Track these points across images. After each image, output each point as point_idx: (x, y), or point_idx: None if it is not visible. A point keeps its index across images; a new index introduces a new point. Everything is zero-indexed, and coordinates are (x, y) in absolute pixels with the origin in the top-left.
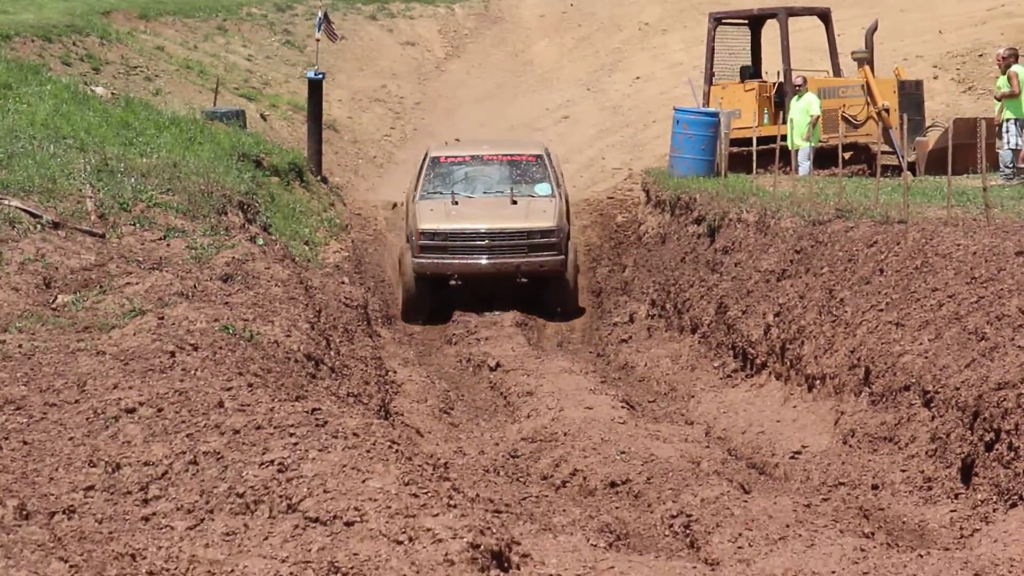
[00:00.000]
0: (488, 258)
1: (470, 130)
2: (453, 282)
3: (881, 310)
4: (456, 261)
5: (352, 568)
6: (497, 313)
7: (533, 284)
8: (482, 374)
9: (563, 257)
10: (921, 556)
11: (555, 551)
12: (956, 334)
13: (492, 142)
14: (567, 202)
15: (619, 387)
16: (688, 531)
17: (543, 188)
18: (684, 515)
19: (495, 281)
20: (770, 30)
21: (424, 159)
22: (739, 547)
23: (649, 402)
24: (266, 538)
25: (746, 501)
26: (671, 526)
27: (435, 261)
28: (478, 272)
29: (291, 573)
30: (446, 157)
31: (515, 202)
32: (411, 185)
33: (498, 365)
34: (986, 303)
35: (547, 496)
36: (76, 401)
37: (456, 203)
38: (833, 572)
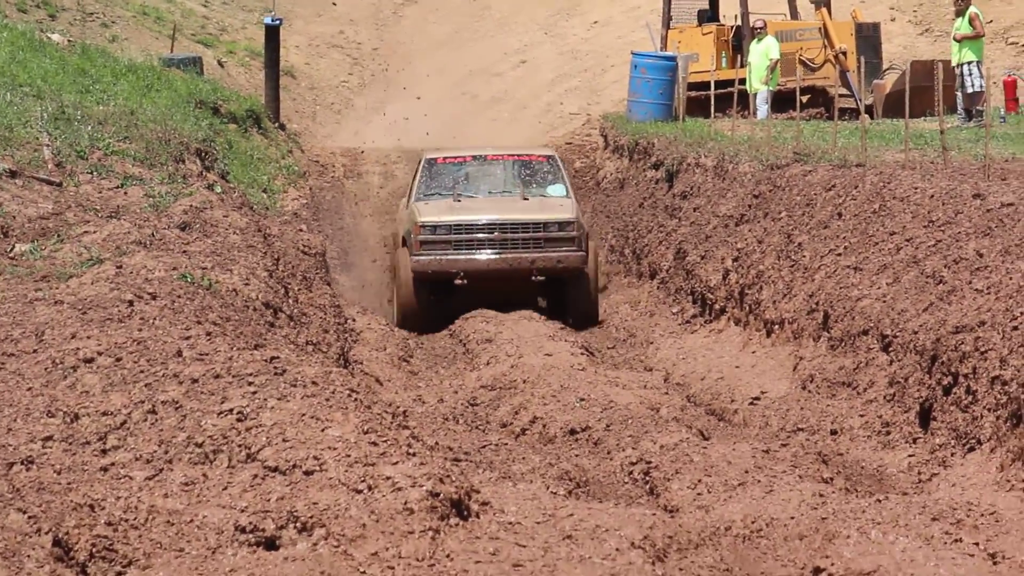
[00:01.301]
0: (498, 253)
1: (429, 77)
2: (458, 281)
3: (839, 254)
4: (461, 257)
5: (312, 517)
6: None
7: (549, 285)
8: (441, 321)
9: (583, 253)
10: (879, 501)
11: (515, 499)
12: (914, 278)
13: (495, 147)
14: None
15: (578, 334)
16: (647, 478)
17: (557, 189)
18: (643, 462)
19: (506, 280)
20: None
21: (419, 163)
22: (698, 493)
23: (608, 348)
24: (225, 488)
25: (705, 448)
26: (630, 473)
27: (437, 258)
28: (486, 269)
29: (250, 522)
30: (444, 158)
31: (526, 199)
32: (405, 194)
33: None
34: (944, 246)
35: (506, 444)
36: (34, 351)
37: (459, 200)
38: (792, 518)
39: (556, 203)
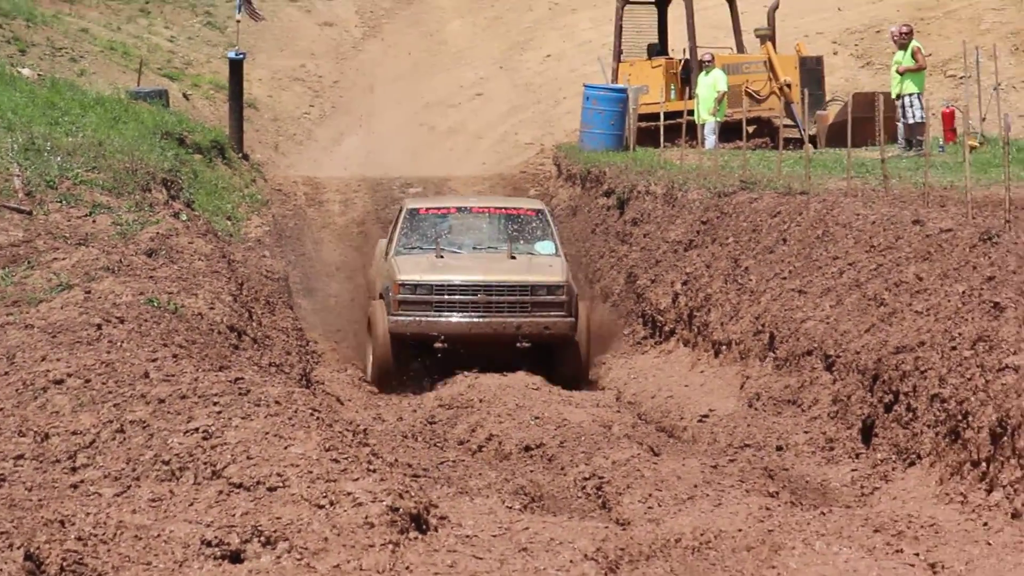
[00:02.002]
0: (481, 316)
1: (387, 107)
2: (438, 344)
3: (784, 278)
4: (442, 320)
5: (275, 531)
6: None
7: (536, 351)
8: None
9: (572, 319)
10: (824, 514)
11: (472, 513)
12: (856, 300)
13: (480, 197)
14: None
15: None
16: (600, 492)
17: (546, 247)
18: (596, 477)
19: (489, 345)
20: (676, 9)
21: (399, 213)
22: (649, 507)
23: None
24: (191, 503)
25: (655, 463)
26: (584, 488)
27: (417, 319)
28: (469, 334)
29: (216, 537)
30: (426, 209)
31: (513, 257)
32: (383, 244)
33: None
34: (885, 270)
35: (464, 460)
36: (5, 373)
37: (441, 257)
38: (739, 530)
39: (545, 263)
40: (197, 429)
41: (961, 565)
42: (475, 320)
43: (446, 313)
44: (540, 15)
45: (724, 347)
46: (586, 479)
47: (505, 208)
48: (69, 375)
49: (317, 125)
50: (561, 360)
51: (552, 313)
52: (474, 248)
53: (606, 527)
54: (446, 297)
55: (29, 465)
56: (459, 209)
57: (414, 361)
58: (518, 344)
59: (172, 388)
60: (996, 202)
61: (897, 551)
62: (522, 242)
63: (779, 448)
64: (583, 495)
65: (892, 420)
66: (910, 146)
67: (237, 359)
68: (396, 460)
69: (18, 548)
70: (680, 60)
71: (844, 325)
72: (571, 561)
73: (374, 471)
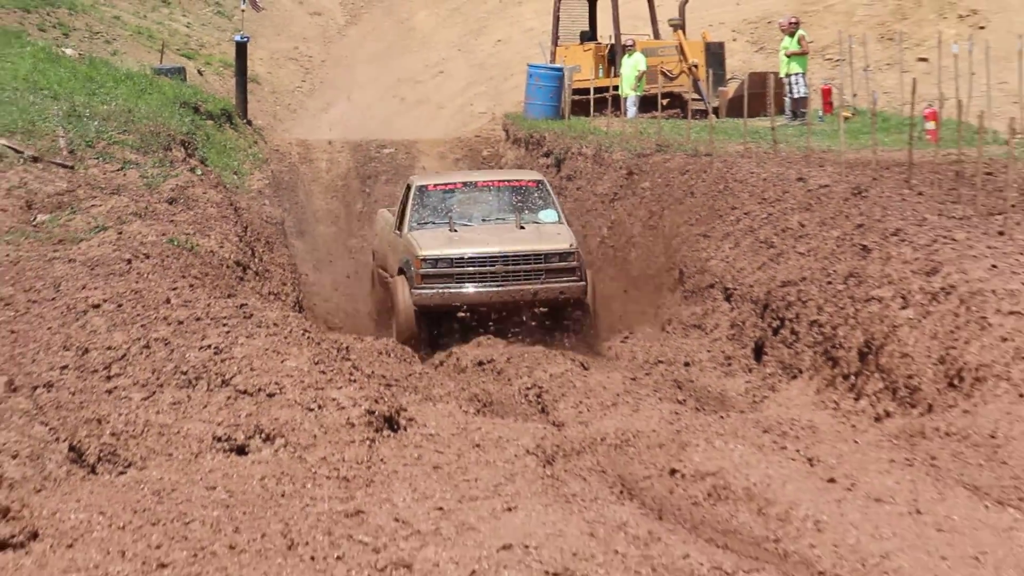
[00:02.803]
0: (501, 285)
1: (365, 82)
2: (461, 313)
3: (692, 224)
4: (464, 290)
5: (274, 430)
6: None
7: (550, 314)
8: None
9: (584, 283)
10: (722, 417)
11: (434, 415)
12: (750, 243)
13: (482, 171)
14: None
15: None
16: (539, 400)
17: (548, 215)
18: (536, 387)
19: (508, 311)
20: (603, 2)
21: (407, 191)
22: (580, 412)
23: None
24: (205, 406)
25: (585, 376)
26: (526, 396)
27: (440, 291)
28: (490, 302)
29: (225, 433)
30: (434, 185)
31: (523, 227)
32: (390, 222)
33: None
34: (773, 219)
35: (428, 373)
36: (52, 298)
37: (455, 231)
38: (653, 431)
39: (553, 231)
40: (209, 346)
41: (833, 459)
42: (494, 289)
43: (467, 284)
44: (492, 7)
45: (642, 281)
46: (528, 388)
47: (507, 180)
48: (104, 301)
49: (308, 97)
50: (572, 321)
51: (565, 278)
52: (483, 220)
53: (544, 428)
54: (466, 269)
55: (72, 374)
56: (465, 184)
57: (436, 329)
58: (534, 309)
59: (189, 312)
60: (865, 163)
61: (782, 448)
62: (527, 212)
63: (686, 364)
64: (526, 402)
65: (779, 341)
66: (795, 117)
67: (242, 288)
68: (373, 372)
69: (63, 441)
70: (607, 45)
71: (740, 263)
72: (515, 455)
73: (355, 381)
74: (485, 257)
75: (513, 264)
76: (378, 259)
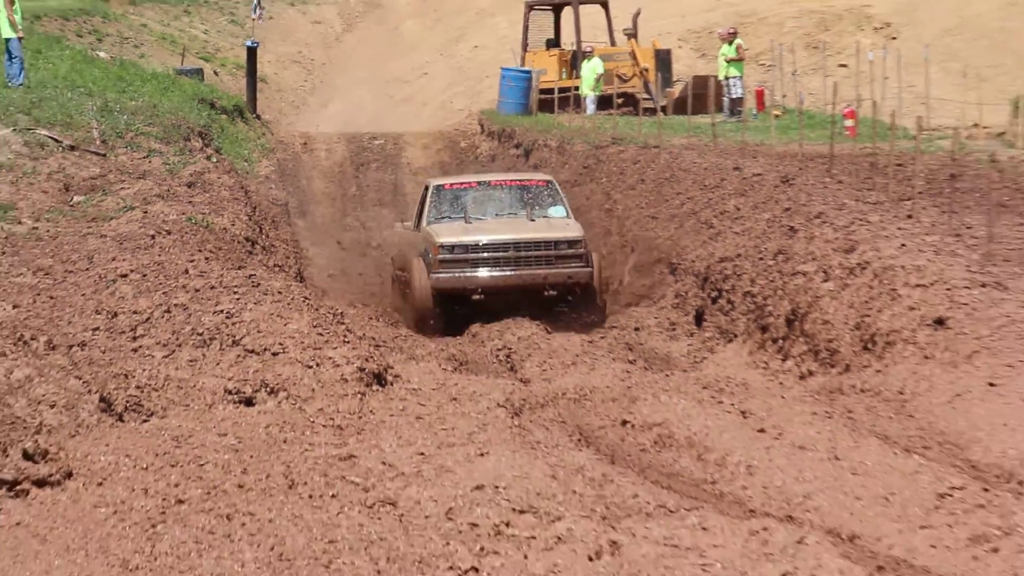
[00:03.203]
0: (513, 270)
1: (359, 83)
2: (476, 296)
3: (642, 207)
4: (479, 275)
5: (277, 384)
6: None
7: (558, 297)
8: (369, 252)
9: (590, 269)
10: (667, 375)
11: (417, 373)
12: (693, 224)
13: (495, 173)
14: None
15: None
16: (509, 359)
17: (558, 211)
18: (506, 348)
19: (519, 295)
20: (567, 13)
21: (426, 191)
22: (543, 370)
23: None
24: (218, 363)
25: (549, 338)
26: (497, 356)
27: (456, 275)
28: (503, 285)
29: (235, 387)
30: (450, 184)
31: (533, 220)
32: (405, 232)
33: (378, 246)
34: (713, 203)
35: (412, 335)
36: (86, 269)
37: (470, 223)
38: (607, 386)
39: (562, 223)
40: (222, 311)
41: (763, 412)
42: (507, 273)
43: (481, 268)
44: (470, 17)
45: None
46: (499, 350)
47: (519, 180)
48: (131, 271)
49: (309, 95)
50: (582, 305)
51: (573, 264)
52: (496, 215)
53: (513, 384)
54: (481, 255)
55: (102, 335)
56: (479, 183)
57: (452, 311)
58: (545, 292)
59: (204, 281)
60: (792, 155)
61: (718, 402)
62: (537, 208)
63: (636, 329)
64: (496, 361)
65: (717, 309)
66: (732, 114)
67: (251, 261)
68: (364, 335)
69: (95, 393)
70: (569, 51)
71: (684, 241)
72: (487, 408)
73: (348, 342)
74: (499, 244)
75: (525, 251)
76: (397, 263)
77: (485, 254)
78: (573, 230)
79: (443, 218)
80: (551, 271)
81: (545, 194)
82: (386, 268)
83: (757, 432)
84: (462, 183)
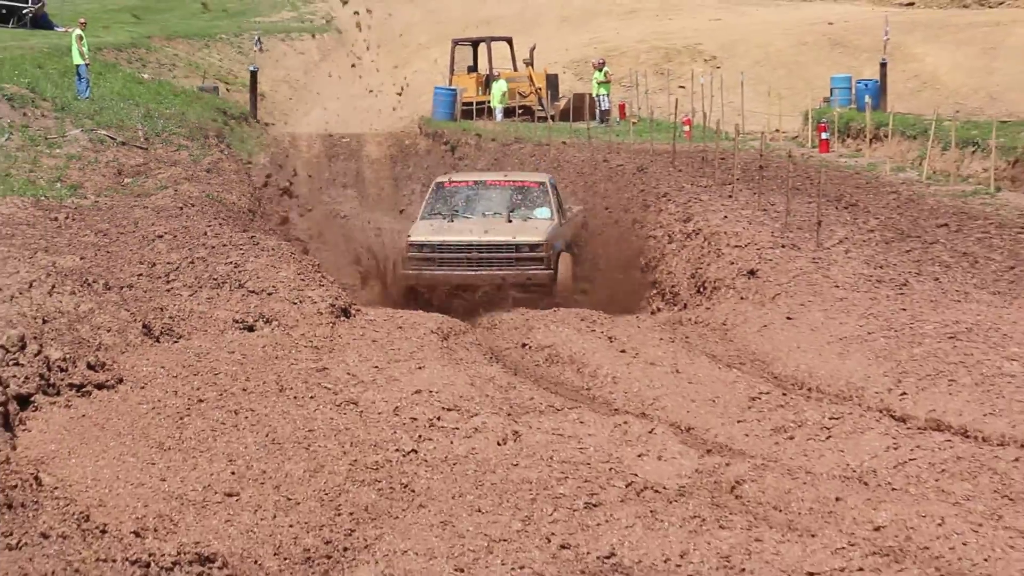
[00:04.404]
0: (475, 270)
1: (331, 98)
2: (441, 291)
3: None
4: (442, 272)
5: (271, 316)
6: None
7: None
8: (338, 219)
9: (551, 271)
10: (555, 311)
11: (373, 309)
12: (573, 201)
13: (499, 172)
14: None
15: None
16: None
17: (543, 212)
18: None
19: (485, 292)
20: (482, 48)
21: (431, 186)
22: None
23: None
24: (228, 301)
25: None
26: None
27: (422, 272)
28: (463, 283)
29: (240, 318)
30: (450, 182)
31: (510, 221)
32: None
33: (345, 215)
34: (587, 186)
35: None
36: (133, 231)
37: (452, 221)
38: (511, 319)
39: (532, 226)
40: (231, 262)
41: (625, 338)
42: (468, 272)
43: (446, 267)
44: (412, 49)
45: None
46: None
47: (515, 181)
48: (165, 233)
49: (295, 107)
50: (542, 303)
51: (533, 266)
52: (483, 214)
53: (443, 317)
54: (445, 255)
55: (144, 279)
56: (476, 183)
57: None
58: (507, 292)
59: (218, 240)
60: (646, 151)
61: (592, 331)
62: (524, 208)
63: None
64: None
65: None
66: (602, 122)
67: (252, 226)
68: (335, 280)
69: (139, 321)
70: (484, 75)
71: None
72: (424, 334)
73: (323, 285)
74: (462, 244)
75: (487, 252)
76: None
77: (448, 254)
78: (538, 234)
79: (435, 214)
80: (510, 272)
81: (535, 195)
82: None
83: (620, 352)
84: (462, 182)
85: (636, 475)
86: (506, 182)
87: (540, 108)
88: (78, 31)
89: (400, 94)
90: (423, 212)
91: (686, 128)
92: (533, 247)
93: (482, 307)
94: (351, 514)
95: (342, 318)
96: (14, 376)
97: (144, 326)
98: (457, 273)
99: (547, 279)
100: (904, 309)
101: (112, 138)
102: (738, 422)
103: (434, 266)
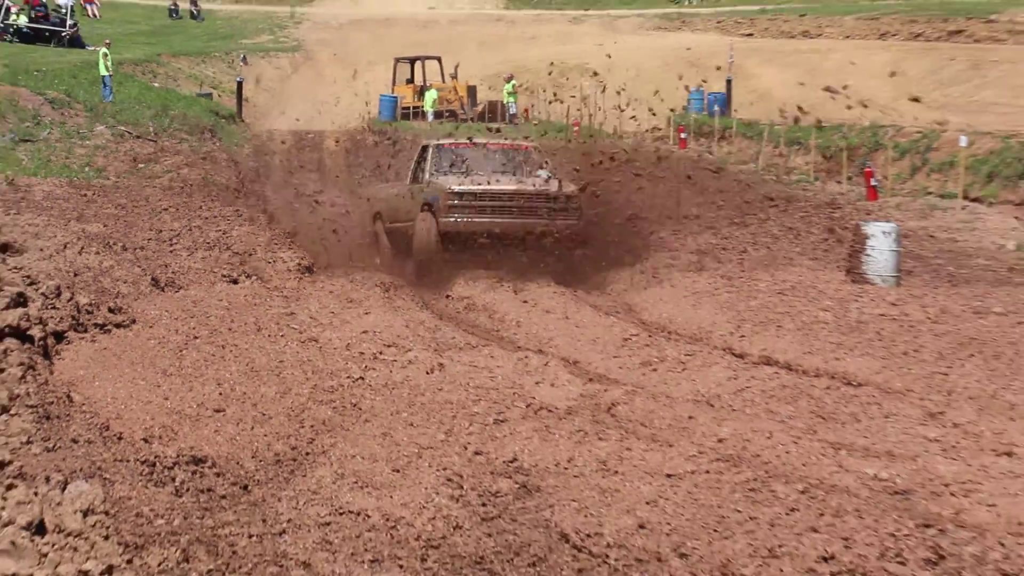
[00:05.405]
0: (516, 218)
1: (299, 103)
2: (482, 240)
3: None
4: (486, 220)
5: (252, 271)
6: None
7: (552, 252)
8: (304, 198)
9: (581, 223)
10: (472, 271)
11: (331, 270)
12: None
13: (485, 137)
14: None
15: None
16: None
17: (544, 173)
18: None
19: (518, 242)
20: (418, 65)
21: (424, 150)
22: (404, 269)
23: None
24: (217, 260)
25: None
26: (377, 261)
27: (466, 220)
28: (507, 232)
29: (227, 274)
30: (448, 144)
31: (528, 176)
32: (392, 190)
33: (310, 194)
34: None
35: (328, 247)
36: (144, 204)
37: (469, 176)
38: (437, 277)
39: (555, 182)
40: (222, 230)
41: (526, 291)
42: (510, 220)
43: (488, 215)
44: (363, 65)
45: None
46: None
47: (508, 144)
48: (169, 207)
49: (271, 109)
50: (569, 254)
51: (569, 217)
52: (492, 172)
53: (385, 276)
54: (487, 203)
55: (153, 242)
56: (475, 144)
57: (454, 261)
58: (543, 240)
59: (210, 212)
60: (545, 146)
61: (501, 286)
62: (525, 167)
63: None
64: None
65: None
66: (510, 123)
67: (236, 202)
68: (304, 248)
69: (148, 275)
70: (419, 85)
71: None
72: (371, 287)
73: (292, 248)
74: (504, 193)
75: (527, 201)
76: (387, 217)
77: (491, 202)
78: (569, 186)
79: (446, 172)
80: (549, 221)
81: (533, 157)
82: (359, 226)
83: (523, 303)
84: (459, 143)
85: (534, 398)
86: (503, 144)
87: (462, 112)
88: (104, 49)
89: (367, 105)
90: (431, 171)
91: (575, 128)
92: (569, 198)
93: (523, 254)
94: (312, 427)
95: (306, 274)
96: (52, 317)
97: (152, 279)
98: (500, 220)
99: (579, 229)
100: (743, 271)
101: (129, 132)
102: (614, 357)
103: (475, 214)
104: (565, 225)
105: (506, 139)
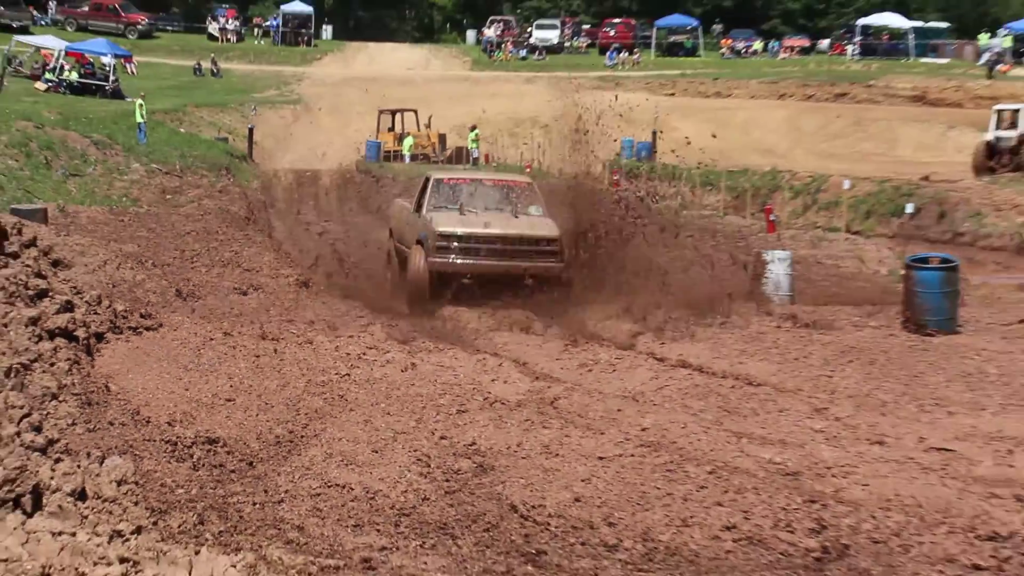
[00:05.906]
0: (499, 260)
1: (298, 148)
2: (465, 280)
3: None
4: (470, 262)
5: (258, 285)
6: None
7: (534, 287)
8: (303, 225)
9: (563, 264)
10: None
11: (327, 287)
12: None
13: (486, 173)
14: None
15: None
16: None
17: (536, 210)
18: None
19: (503, 282)
20: (399, 116)
21: (426, 182)
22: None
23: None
24: (230, 275)
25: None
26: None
27: (452, 261)
28: (490, 273)
29: (237, 287)
30: (448, 179)
31: (517, 217)
32: (407, 207)
33: (308, 223)
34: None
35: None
36: (170, 229)
37: (463, 214)
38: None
39: (542, 222)
40: (233, 251)
41: (490, 311)
42: (494, 263)
43: (473, 257)
44: (352, 115)
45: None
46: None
47: (504, 180)
48: (192, 231)
49: (276, 152)
50: (552, 293)
51: (551, 259)
52: (485, 208)
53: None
54: (472, 245)
55: (177, 261)
56: (473, 180)
57: (442, 294)
58: (524, 282)
59: (225, 236)
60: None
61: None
62: (520, 205)
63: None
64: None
65: None
66: (474, 164)
67: (247, 228)
68: (300, 263)
69: (173, 288)
70: (399, 133)
71: None
72: (360, 304)
73: (292, 265)
74: (490, 237)
75: (511, 244)
76: (396, 236)
77: (476, 244)
78: (552, 229)
79: (442, 207)
80: (531, 264)
81: (527, 194)
82: (370, 241)
83: (481, 313)
84: (458, 179)
85: (490, 393)
86: (498, 181)
87: (434, 155)
88: (140, 100)
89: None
90: (429, 205)
91: (527, 169)
92: (550, 241)
93: (503, 293)
94: (306, 414)
95: (304, 288)
96: (93, 320)
97: (177, 290)
98: (484, 263)
99: (561, 272)
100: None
101: (159, 169)
102: (556, 360)
103: (460, 255)
104: (545, 267)
105: (496, 176)
